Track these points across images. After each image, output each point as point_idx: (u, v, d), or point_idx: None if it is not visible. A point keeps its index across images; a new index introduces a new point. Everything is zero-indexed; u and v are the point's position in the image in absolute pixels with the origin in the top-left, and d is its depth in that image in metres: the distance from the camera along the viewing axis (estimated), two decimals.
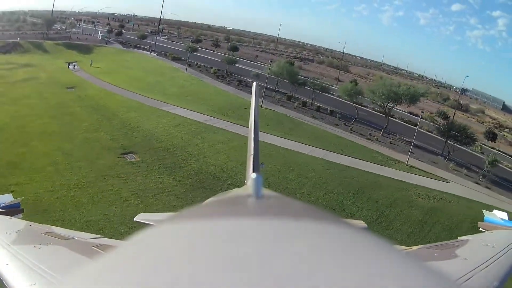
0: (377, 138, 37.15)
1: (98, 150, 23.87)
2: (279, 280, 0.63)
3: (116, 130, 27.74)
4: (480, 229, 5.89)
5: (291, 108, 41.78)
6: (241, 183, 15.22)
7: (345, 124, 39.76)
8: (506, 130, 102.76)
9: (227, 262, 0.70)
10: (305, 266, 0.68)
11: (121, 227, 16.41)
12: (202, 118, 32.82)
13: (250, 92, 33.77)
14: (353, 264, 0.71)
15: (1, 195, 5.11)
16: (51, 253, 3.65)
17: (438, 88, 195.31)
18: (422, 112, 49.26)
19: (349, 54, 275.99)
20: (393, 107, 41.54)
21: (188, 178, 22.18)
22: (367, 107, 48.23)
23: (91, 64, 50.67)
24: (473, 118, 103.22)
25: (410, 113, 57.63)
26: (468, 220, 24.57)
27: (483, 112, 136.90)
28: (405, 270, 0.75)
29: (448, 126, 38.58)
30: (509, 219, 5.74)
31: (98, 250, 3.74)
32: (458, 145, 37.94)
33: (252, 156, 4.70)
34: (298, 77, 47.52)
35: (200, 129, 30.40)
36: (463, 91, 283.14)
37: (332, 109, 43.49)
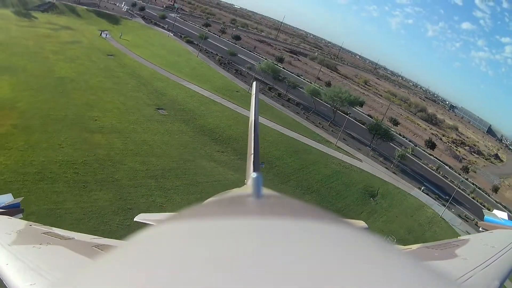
0: (322, 126, 50.52)
1: (141, 104, 37.53)
2: (280, 280, 0.64)
3: (150, 93, 41.23)
4: (480, 228, 6.08)
5: (269, 97, 54.30)
6: (227, 136, 31.28)
7: (304, 113, 52.69)
8: (466, 147, 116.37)
9: (228, 261, 0.71)
10: (305, 266, 0.69)
11: (161, 146, 30.50)
12: (207, 93, 46.26)
13: (242, 80, 48.75)
14: (353, 264, 0.72)
15: (1, 195, 5.22)
16: (51, 253, 3.75)
17: (424, 100, 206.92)
18: (369, 116, 64.05)
19: (348, 51, 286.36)
20: (339, 107, 53.31)
21: (196, 128, 36.42)
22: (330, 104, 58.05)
23: (120, 36, 60.22)
24: (437, 130, 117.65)
25: (369, 115, 70.98)
26: (362, 184, 39.27)
27: (456, 129, 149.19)
28: (405, 270, 0.76)
29: (374, 126, 51.03)
30: (509, 219, 5.88)
31: (98, 250, 3.84)
32: (382, 141, 50.25)
33: (252, 156, 5.25)
34: (279, 75, 58.78)
35: (205, 101, 44.10)
36: (452, 107, 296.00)
37: (298, 101, 56.00)
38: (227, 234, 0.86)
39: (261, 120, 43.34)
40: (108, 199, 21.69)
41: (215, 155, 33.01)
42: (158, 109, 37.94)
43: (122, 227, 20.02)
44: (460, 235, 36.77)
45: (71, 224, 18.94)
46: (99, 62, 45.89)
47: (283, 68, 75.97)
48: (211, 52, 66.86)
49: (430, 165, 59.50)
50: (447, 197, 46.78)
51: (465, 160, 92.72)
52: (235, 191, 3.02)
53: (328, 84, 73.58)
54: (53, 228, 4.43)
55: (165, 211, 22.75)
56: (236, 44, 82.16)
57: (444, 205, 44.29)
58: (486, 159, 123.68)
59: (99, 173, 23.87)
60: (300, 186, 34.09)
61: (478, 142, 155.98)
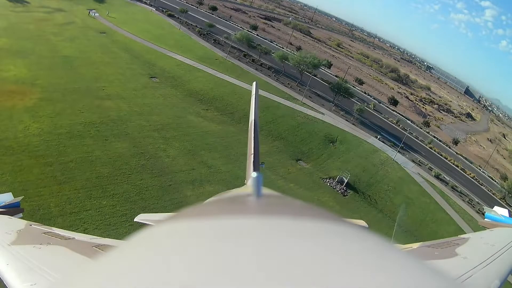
0: (291, 86, 57.48)
1: (137, 74, 44.08)
2: (280, 280, 0.64)
3: (143, 64, 47.59)
4: (481, 226, 5.98)
5: (244, 62, 60.69)
6: (210, 96, 39.12)
7: (274, 76, 59.35)
8: (434, 106, 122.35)
9: (228, 261, 0.70)
10: (306, 265, 0.68)
11: (158, 107, 37.31)
12: (190, 62, 52.65)
13: (220, 49, 55.78)
14: (354, 263, 0.71)
15: (1, 194, 5.20)
16: (51, 253, 3.73)
17: (398, 61, 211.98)
18: (336, 76, 71.24)
19: (325, 13, 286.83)
20: (305, 70, 59.48)
21: (184, 91, 43.50)
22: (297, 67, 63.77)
23: (107, 14, 63.98)
24: (406, 89, 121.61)
25: (336, 75, 76.54)
26: (323, 133, 47.03)
27: (428, 89, 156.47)
28: (405, 269, 0.74)
29: (336, 85, 58.17)
30: (510, 216, 5.82)
31: (98, 250, 3.83)
32: (343, 97, 57.66)
33: (252, 156, 5.20)
34: (252, 43, 64.55)
35: (189, 69, 50.66)
36: (429, 68, 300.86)
37: (270, 65, 62.52)
38: (227, 233, 0.86)
39: (236, 82, 50.53)
40: (125, 147, 28.92)
41: (201, 112, 40.20)
42: (151, 77, 44.62)
43: (138, 165, 27.42)
44: (411, 176, 45.00)
45: (102, 165, 26.20)
46: (94, 40, 51.41)
47: (257, 35, 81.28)
48: (191, 24, 71.62)
49: (390, 119, 66.68)
50: (402, 145, 54.82)
51: (430, 117, 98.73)
52: (235, 191, 3.09)
53: (299, 49, 79.64)
54: (53, 228, 4.43)
55: (167, 153, 30.19)
56: (213, 14, 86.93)
57: (399, 152, 52.34)
58: (455, 117, 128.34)
59: (115, 129, 30.88)
60: (271, 134, 41.70)
61: (451, 101, 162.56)
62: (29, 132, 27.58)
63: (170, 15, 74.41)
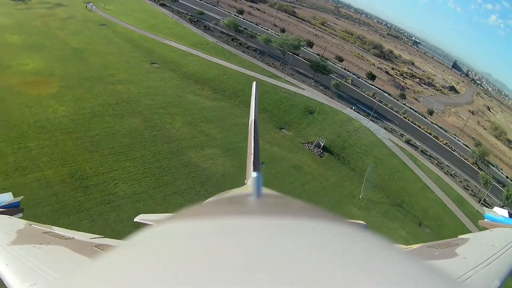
0: (275, 66, 63.13)
1: (139, 61, 49.87)
2: (280, 279, 0.63)
3: (143, 52, 53.31)
4: (481, 227, 5.96)
5: (232, 46, 65.95)
6: (204, 78, 45.85)
7: (260, 57, 65.04)
8: (415, 79, 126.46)
9: (227, 261, 0.70)
10: (306, 265, 0.68)
11: (160, 88, 43.40)
12: (184, 48, 58.29)
13: (210, 34, 61.95)
14: (354, 263, 0.71)
15: (1, 194, 5.22)
16: (51, 253, 3.70)
17: (384, 37, 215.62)
18: (318, 55, 77.23)
19: None
20: (287, 50, 65.06)
21: (181, 74, 49.46)
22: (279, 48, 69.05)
23: (104, 6, 67.73)
24: (388, 64, 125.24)
25: (318, 54, 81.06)
26: (303, 105, 53.35)
27: (412, 63, 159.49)
28: (406, 269, 0.74)
29: (314, 63, 63.80)
30: (510, 217, 5.80)
31: (98, 250, 3.82)
32: (322, 74, 63.13)
33: (252, 156, 5.27)
34: (239, 27, 69.76)
35: (184, 54, 56.43)
36: (416, 43, 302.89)
37: (256, 48, 67.93)
38: (227, 233, 0.85)
39: (226, 64, 56.57)
40: (138, 122, 35.29)
41: (197, 92, 46.34)
42: (152, 63, 50.36)
43: (151, 136, 33.89)
44: (381, 141, 51.76)
45: (122, 137, 32.56)
46: (97, 32, 56.65)
47: (244, 19, 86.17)
48: (183, 12, 76.43)
49: (367, 92, 72.37)
50: (374, 114, 61.25)
51: (409, 90, 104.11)
52: (235, 191, 3.12)
53: (283, 30, 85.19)
54: (53, 228, 4.42)
55: (172, 126, 36.59)
56: (201, 0, 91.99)
57: (372, 120, 58.88)
58: (437, 90, 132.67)
59: (128, 108, 37.11)
60: (258, 108, 48.00)
61: (435, 75, 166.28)
62: (58, 114, 33.54)
63: (161, 4, 78.82)
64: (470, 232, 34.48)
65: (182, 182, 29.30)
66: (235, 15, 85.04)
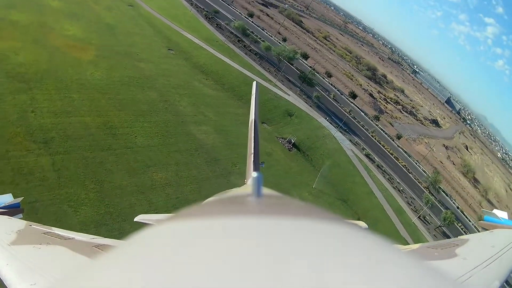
0: (269, 70, 73.78)
1: (159, 46, 60.09)
2: (279, 279, 0.64)
3: (163, 38, 63.46)
4: (480, 228, 6.06)
5: (238, 47, 76.25)
6: (209, 70, 57.60)
7: (258, 60, 75.48)
8: (399, 106, 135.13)
9: (227, 261, 0.70)
10: (305, 265, 0.68)
11: (174, 72, 53.93)
12: (197, 41, 68.61)
13: (221, 33, 73.08)
14: (354, 264, 0.71)
15: (1, 195, 5.28)
16: (51, 253, 3.73)
17: (382, 60, 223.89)
18: (310, 67, 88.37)
19: (324, 1, 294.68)
20: (283, 58, 75.31)
21: (191, 64, 59.87)
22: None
23: None
24: (375, 87, 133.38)
25: (310, 67, 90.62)
26: (285, 108, 64.24)
27: (402, 91, 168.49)
28: (405, 270, 0.74)
29: (303, 75, 75.45)
30: (509, 219, 5.89)
31: (98, 250, 3.84)
32: (307, 85, 75.89)
33: (252, 155, 5.30)
34: (247, 30, 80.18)
35: (196, 46, 66.81)
36: (415, 72, 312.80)
37: (257, 52, 78.30)
38: (227, 233, 0.86)
39: (229, 62, 67.30)
40: (155, 96, 45.76)
41: (202, 80, 56.94)
42: (169, 49, 60.61)
43: (164, 108, 44.38)
44: (343, 149, 63.25)
45: (142, 104, 42.81)
46: (126, 12, 66.13)
47: (252, 22, 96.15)
48: (200, 7, 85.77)
49: (344, 108, 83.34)
50: (346, 128, 72.65)
51: (387, 114, 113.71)
52: (235, 191, 3.17)
53: (284, 40, 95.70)
54: (53, 228, 4.46)
55: (180, 103, 47.16)
56: None
57: (340, 132, 70.23)
58: (417, 120, 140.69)
59: (148, 83, 47.45)
60: (247, 103, 58.77)
61: (422, 106, 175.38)
62: (95, 77, 43.50)
63: None
64: (400, 235, 46.18)
65: (182, 145, 40.04)
66: (245, 17, 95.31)
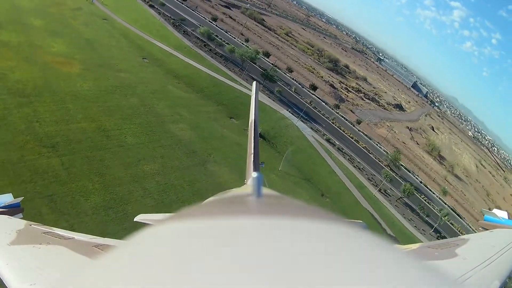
0: (234, 71, 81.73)
1: (134, 56, 67.13)
2: (279, 280, 0.64)
3: (137, 48, 70.62)
4: (480, 228, 6.12)
5: (204, 51, 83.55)
6: (181, 74, 66.44)
7: (224, 63, 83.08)
8: (360, 94, 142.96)
9: (227, 261, 0.70)
10: (305, 265, 0.68)
11: (150, 80, 61.76)
12: (167, 49, 75.95)
13: (188, 39, 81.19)
14: (353, 263, 0.71)
15: (1, 195, 5.38)
16: (51, 253, 3.76)
17: (346, 51, 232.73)
18: (272, 64, 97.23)
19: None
20: (246, 59, 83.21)
21: (164, 70, 67.14)
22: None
23: (102, 1, 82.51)
24: (336, 78, 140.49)
25: (272, 63, 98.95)
26: (249, 104, 72.78)
27: (365, 79, 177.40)
28: (405, 270, 0.74)
29: (265, 72, 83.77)
30: (509, 218, 5.93)
31: (98, 250, 3.90)
32: (269, 81, 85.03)
33: (252, 156, 5.40)
34: (212, 34, 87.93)
35: (167, 54, 74.15)
36: (379, 60, 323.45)
37: (222, 54, 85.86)
38: (227, 233, 0.86)
39: (198, 66, 75.32)
40: (136, 101, 53.28)
41: (175, 84, 64.61)
42: (143, 58, 67.82)
43: (145, 111, 52.19)
44: (305, 136, 72.53)
45: (127, 109, 50.54)
46: (101, 26, 72.75)
47: (216, 25, 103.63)
48: (167, 15, 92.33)
49: (305, 99, 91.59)
50: (306, 117, 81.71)
51: (348, 102, 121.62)
52: (235, 191, 3.22)
53: (247, 40, 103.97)
54: (53, 228, 4.51)
55: (159, 106, 55.11)
56: (183, 3, 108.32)
57: (302, 121, 79.24)
58: (379, 105, 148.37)
59: (129, 91, 54.87)
60: (216, 102, 67.05)
61: (385, 92, 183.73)
62: (84, 88, 50.64)
63: (150, 5, 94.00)
64: (362, 206, 56.21)
65: (164, 141, 48.08)
66: (209, 21, 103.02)
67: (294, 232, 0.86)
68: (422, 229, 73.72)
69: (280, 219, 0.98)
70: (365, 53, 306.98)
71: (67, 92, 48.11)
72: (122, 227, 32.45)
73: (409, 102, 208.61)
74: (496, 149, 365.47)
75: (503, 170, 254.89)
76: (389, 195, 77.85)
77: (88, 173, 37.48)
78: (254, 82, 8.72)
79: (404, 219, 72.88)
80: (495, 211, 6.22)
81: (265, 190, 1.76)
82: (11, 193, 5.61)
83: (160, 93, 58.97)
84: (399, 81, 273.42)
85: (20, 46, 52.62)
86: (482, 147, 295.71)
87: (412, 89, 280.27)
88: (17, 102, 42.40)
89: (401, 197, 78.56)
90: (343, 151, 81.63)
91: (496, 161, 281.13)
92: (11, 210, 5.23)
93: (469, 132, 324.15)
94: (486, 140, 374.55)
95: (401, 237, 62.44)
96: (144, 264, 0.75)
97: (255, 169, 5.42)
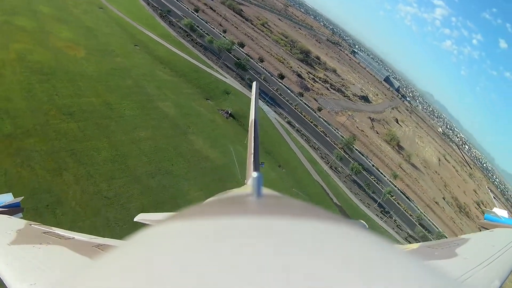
0: (212, 59, 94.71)
1: (127, 43, 79.29)
2: (279, 280, 0.64)
3: (130, 36, 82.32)
4: (481, 227, 6.15)
5: (187, 41, 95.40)
6: (166, 60, 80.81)
7: (203, 51, 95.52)
8: (327, 84, 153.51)
9: (227, 261, 0.70)
10: (305, 265, 0.69)
11: (142, 64, 74.84)
12: (155, 37, 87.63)
13: (173, 29, 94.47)
14: (353, 263, 0.72)
15: (1, 194, 5.40)
16: (51, 253, 3.76)
17: (319, 43, 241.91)
18: (246, 54, 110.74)
19: None
20: (222, 49, 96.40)
21: (153, 56, 79.69)
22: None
23: None
24: (305, 68, 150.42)
25: (246, 53, 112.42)
26: (224, 88, 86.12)
27: (334, 71, 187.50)
28: (406, 269, 0.75)
29: (238, 62, 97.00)
30: (509, 217, 5.95)
31: (98, 250, 3.90)
32: (242, 70, 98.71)
33: (252, 156, 5.30)
34: (194, 25, 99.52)
35: (156, 42, 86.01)
36: (353, 52, 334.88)
37: (202, 44, 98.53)
38: (227, 234, 0.86)
39: (180, 53, 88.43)
40: (131, 83, 65.92)
41: (162, 69, 77.26)
42: (135, 45, 79.98)
43: (138, 90, 65.41)
44: (269, 118, 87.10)
45: (124, 89, 63.68)
46: (98, 14, 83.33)
47: (198, 16, 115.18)
48: (155, 6, 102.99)
49: (273, 87, 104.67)
50: (272, 102, 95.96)
51: (313, 91, 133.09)
52: (235, 191, 3.21)
53: (225, 31, 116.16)
54: (53, 228, 4.50)
55: (149, 86, 68.44)
56: None
57: (267, 105, 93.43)
58: (344, 96, 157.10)
59: (126, 73, 67.47)
60: (195, 85, 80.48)
61: (353, 84, 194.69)
62: (89, 70, 62.73)
63: None
64: (313, 178, 72.17)
65: (154, 115, 61.37)
66: (192, 12, 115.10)
67: (294, 231, 0.87)
68: (367, 203, 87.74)
69: (280, 219, 1.00)
70: (340, 45, 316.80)
71: (76, 72, 59.97)
72: (124, 174, 45.93)
73: (377, 95, 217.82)
74: (467, 147, 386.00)
75: (470, 167, 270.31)
76: (339, 172, 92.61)
77: (98, 135, 49.94)
78: (254, 83, 8.76)
79: (351, 192, 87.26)
80: (495, 210, 6.27)
81: (265, 190, 1.85)
82: (11, 193, 5.64)
83: (150, 76, 71.88)
84: (371, 74, 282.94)
85: (34, 31, 63.52)
86: (451, 143, 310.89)
87: (384, 82, 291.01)
88: (38, 79, 53.92)
89: (349, 174, 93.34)
90: (301, 132, 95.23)
91: (464, 158, 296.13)
92: (11, 209, 5.26)
93: (439, 128, 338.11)
94: (458, 137, 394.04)
95: (346, 207, 77.86)
96: (144, 264, 0.75)
97: (255, 169, 5.56)
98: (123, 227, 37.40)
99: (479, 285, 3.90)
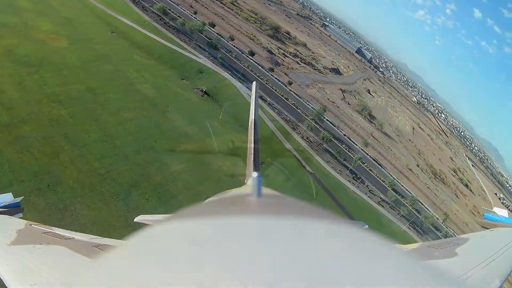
0: (185, 41, 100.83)
1: (103, 31, 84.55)
2: (280, 279, 0.65)
3: (105, 23, 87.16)
4: (481, 227, 6.15)
5: (160, 24, 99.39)
6: (144, 45, 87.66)
7: (176, 34, 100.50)
8: (297, 59, 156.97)
9: (228, 261, 0.72)
10: (306, 264, 0.70)
11: (120, 50, 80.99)
12: (130, 23, 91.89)
13: (146, 14, 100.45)
14: (354, 263, 0.73)
15: (1, 195, 5.45)
16: (51, 253, 3.81)
17: (289, 18, 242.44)
18: (218, 34, 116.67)
19: None
20: (194, 30, 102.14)
21: (130, 42, 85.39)
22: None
23: None
24: (275, 44, 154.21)
25: (217, 33, 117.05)
26: (198, 67, 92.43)
27: (305, 45, 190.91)
28: (406, 269, 0.76)
29: (210, 42, 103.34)
30: (509, 217, 6.01)
31: (98, 250, 3.93)
32: (213, 49, 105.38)
33: (252, 156, 5.32)
34: (166, 9, 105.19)
35: (130, 28, 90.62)
36: (324, 25, 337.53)
37: (174, 26, 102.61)
38: (228, 233, 0.87)
39: (155, 38, 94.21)
40: (112, 68, 71.82)
41: (139, 54, 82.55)
42: (112, 32, 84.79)
43: (119, 76, 71.72)
44: (241, 94, 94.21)
45: (106, 73, 69.99)
46: (74, 4, 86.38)
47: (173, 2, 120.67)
48: None
49: (244, 64, 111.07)
50: (243, 79, 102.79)
51: (283, 66, 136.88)
52: (235, 191, 3.23)
53: (195, 13, 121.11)
54: (53, 228, 4.53)
55: (129, 71, 74.74)
56: None
57: (239, 81, 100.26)
58: (315, 69, 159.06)
59: (106, 60, 73.54)
60: (170, 66, 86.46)
61: (324, 57, 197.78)
62: (72, 59, 68.02)
63: None
64: (285, 147, 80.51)
65: (136, 97, 67.72)
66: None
67: (295, 232, 0.88)
68: (339, 170, 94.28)
69: (280, 219, 1.02)
70: (310, 19, 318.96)
71: (61, 62, 65.36)
72: (113, 153, 52.70)
73: (348, 67, 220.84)
74: (444, 116, 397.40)
75: (446, 135, 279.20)
76: (311, 142, 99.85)
77: (87, 119, 55.86)
78: (254, 82, 8.75)
79: (323, 160, 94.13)
80: (495, 209, 6.34)
81: (265, 190, 1.86)
82: (11, 193, 5.64)
83: (128, 61, 77.82)
84: (342, 47, 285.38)
85: (17, 26, 68.15)
86: (426, 112, 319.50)
87: (356, 54, 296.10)
88: (27, 71, 59.13)
89: (320, 143, 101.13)
90: (273, 106, 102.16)
91: (440, 127, 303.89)
92: (11, 210, 5.29)
93: (414, 97, 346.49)
94: (434, 107, 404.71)
95: (318, 173, 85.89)
96: (144, 264, 0.76)
97: (255, 169, 5.55)
98: (118, 199, 44.19)
99: (479, 284, 3.99)
